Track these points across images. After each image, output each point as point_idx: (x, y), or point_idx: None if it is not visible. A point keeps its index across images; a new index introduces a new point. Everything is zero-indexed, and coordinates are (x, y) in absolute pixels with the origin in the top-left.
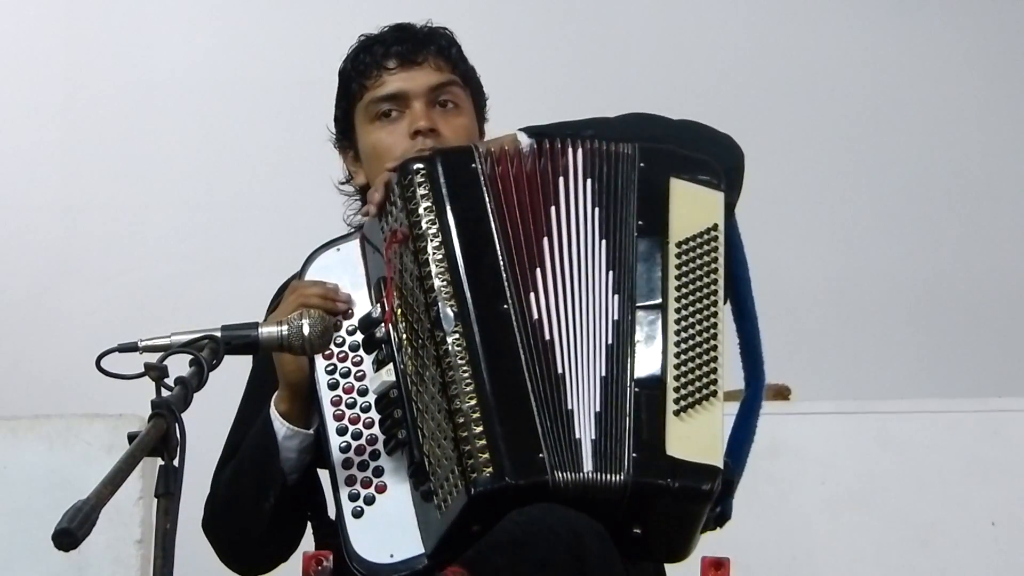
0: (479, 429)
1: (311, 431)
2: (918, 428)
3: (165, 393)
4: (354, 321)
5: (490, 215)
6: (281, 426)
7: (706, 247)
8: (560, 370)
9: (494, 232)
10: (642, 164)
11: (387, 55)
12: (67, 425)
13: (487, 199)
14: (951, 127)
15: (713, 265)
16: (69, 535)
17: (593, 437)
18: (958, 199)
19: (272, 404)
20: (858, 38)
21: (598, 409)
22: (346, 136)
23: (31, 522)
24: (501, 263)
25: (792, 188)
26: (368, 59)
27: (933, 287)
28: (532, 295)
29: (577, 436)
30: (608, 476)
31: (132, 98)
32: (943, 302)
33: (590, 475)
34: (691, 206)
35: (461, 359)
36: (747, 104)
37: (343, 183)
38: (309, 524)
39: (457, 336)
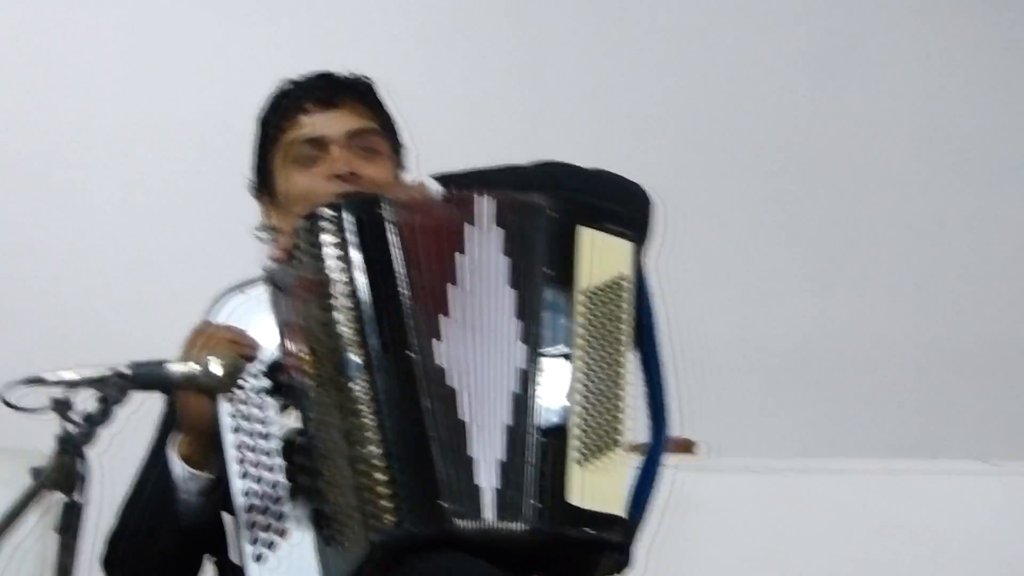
0: (381, 477)
1: (209, 474)
2: (825, 487)
3: (70, 428)
4: (260, 365)
5: (396, 263)
6: (180, 469)
7: (613, 296)
8: (463, 417)
9: (400, 279)
10: (552, 213)
11: (305, 97)
12: None
13: (394, 246)
14: (864, 187)
15: (620, 314)
16: None
17: (495, 485)
18: (867, 259)
19: (172, 446)
20: (774, 93)
21: (501, 457)
22: (263, 181)
23: None
24: (407, 310)
25: (705, 244)
26: (286, 103)
27: (843, 345)
28: (437, 342)
29: (479, 484)
30: (509, 524)
31: (64, 130)
32: (851, 362)
33: (491, 523)
34: (600, 255)
35: (364, 406)
36: (665, 157)
37: (261, 229)
38: (214, 566)
39: (361, 383)
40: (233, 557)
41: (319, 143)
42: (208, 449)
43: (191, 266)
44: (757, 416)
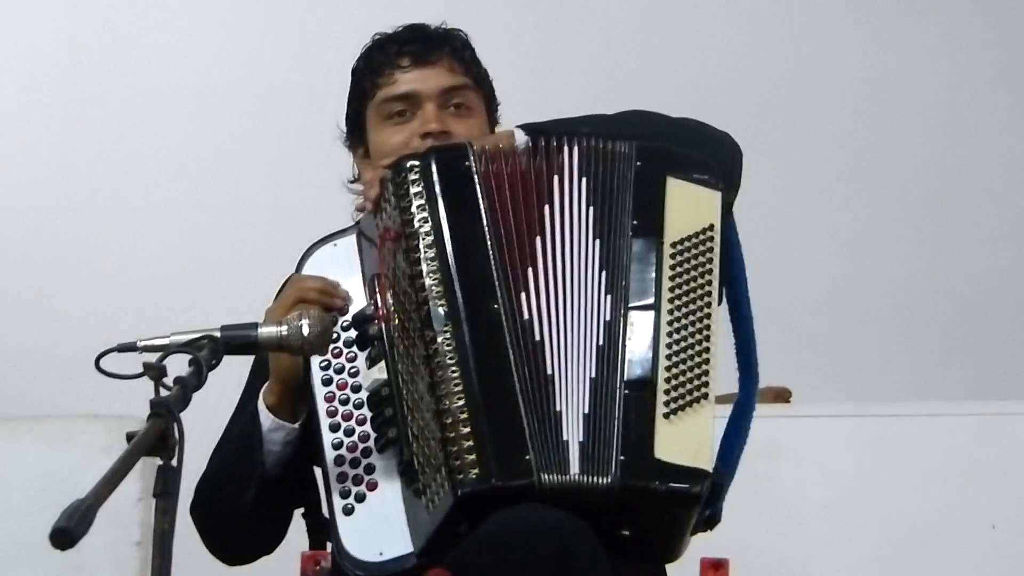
0: (466, 430)
1: (296, 425)
2: (918, 431)
3: (164, 393)
4: (349, 317)
5: (483, 213)
6: (267, 419)
7: (701, 247)
8: (549, 371)
9: (486, 230)
10: (638, 163)
11: (400, 54)
12: (66, 426)
13: (480, 197)
14: (948, 131)
15: (708, 266)
16: (66, 534)
17: (581, 439)
18: (956, 202)
19: (261, 396)
20: (857, 41)
21: (587, 411)
22: (356, 134)
23: (30, 523)
24: (492, 262)
25: (793, 191)
26: (381, 57)
27: (933, 289)
28: (523, 295)
29: (565, 438)
30: (595, 479)
31: (133, 99)
32: (943, 304)
33: (577, 477)
34: (687, 206)
35: (450, 359)
36: (747, 106)
37: (352, 182)
38: (304, 522)
39: (447, 335)
40: (324, 511)
41: (413, 100)
42: (296, 400)
43: (278, 221)
44: (848, 361)
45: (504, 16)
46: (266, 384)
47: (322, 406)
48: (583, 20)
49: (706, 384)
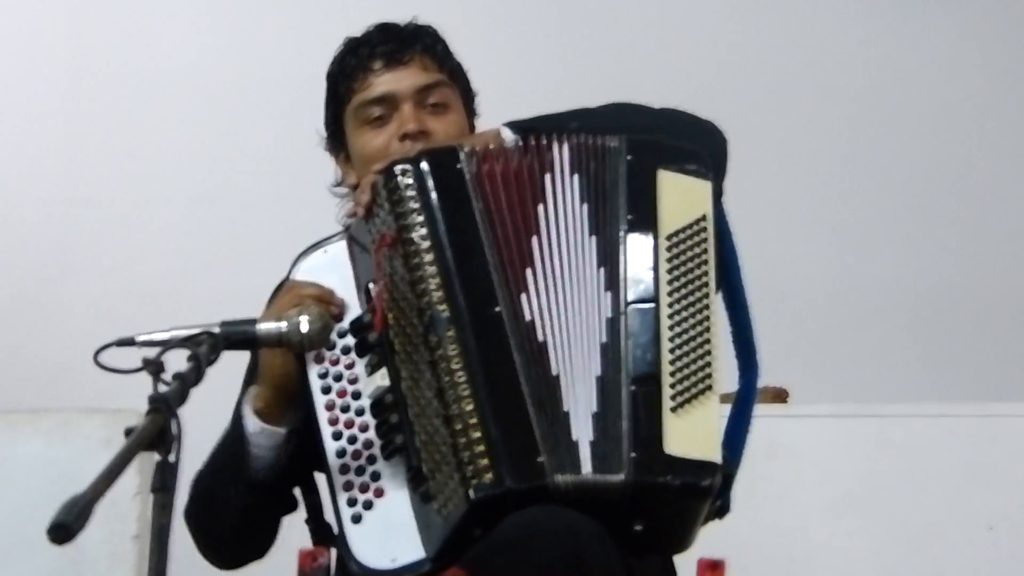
0: (477, 434)
1: (282, 429)
2: (916, 431)
3: (162, 388)
4: (345, 324)
5: (478, 216)
6: (251, 422)
7: (696, 238)
8: (555, 371)
9: (482, 233)
10: (629, 157)
11: (372, 56)
12: (65, 420)
13: (474, 199)
14: (949, 129)
15: (704, 256)
16: (64, 528)
17: (591, 438)
18: (957, 203)
19: (245, 401)
20: (860, 38)
21: (595, 409)
22: (336, 138)
23: (28, 517)
24: (491, 264)
25: (792, 190)
26: (354, 61)
27: (933, 290)
28: (524, 296)
29: (575, 437)
30: (607, 476)
31: (134, 92)
32: (942, 305)
33: (589, 476)
34: (680, 197)
35: (456, 363)
36: (748, 104)
37: (336, 185)
38: (306, 525)
39: (451, 340)
40: (329, 519)
41: (389, 102)
42: (284, 404)
43: (279, 216)
44: (846, 362)
45: (489, 10)
46: (252, 388)
47: (323, 414)
48: (572, 12)
49: (710, 376)
